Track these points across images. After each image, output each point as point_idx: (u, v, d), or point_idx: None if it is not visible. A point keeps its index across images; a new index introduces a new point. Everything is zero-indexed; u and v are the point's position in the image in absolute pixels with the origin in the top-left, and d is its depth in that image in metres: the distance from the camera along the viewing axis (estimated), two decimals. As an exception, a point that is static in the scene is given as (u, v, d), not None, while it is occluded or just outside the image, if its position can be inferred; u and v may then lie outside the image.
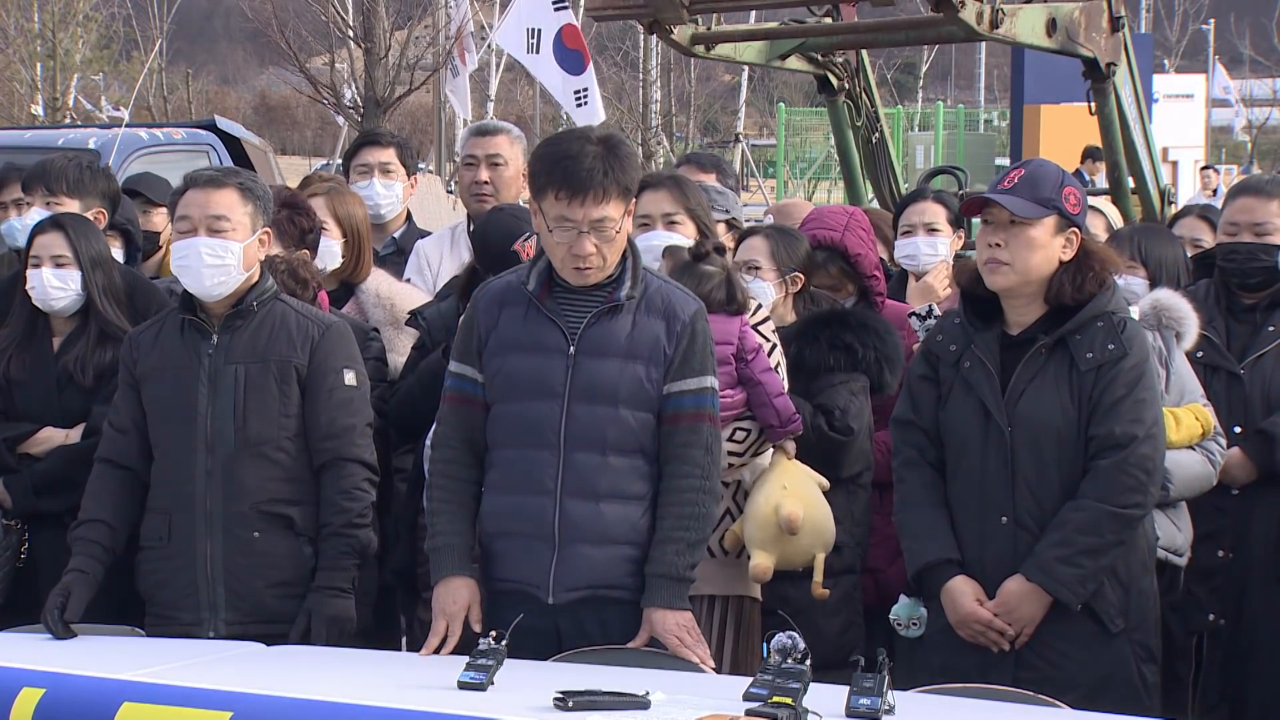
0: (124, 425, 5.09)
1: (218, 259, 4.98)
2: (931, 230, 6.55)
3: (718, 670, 4.64)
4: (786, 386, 5.23)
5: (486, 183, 6.69)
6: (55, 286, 5.58)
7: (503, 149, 6.72)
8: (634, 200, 4.68)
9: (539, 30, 16.07)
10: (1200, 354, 5.62)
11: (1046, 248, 4.76)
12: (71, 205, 6.21)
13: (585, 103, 15.62)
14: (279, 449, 4.96)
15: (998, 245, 4.75)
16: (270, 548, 4.96)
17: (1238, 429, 5.63)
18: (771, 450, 5.19)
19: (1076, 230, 4.80)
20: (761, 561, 5.06)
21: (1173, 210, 8.89)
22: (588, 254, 4.55)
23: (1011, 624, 4.70)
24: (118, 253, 6.26)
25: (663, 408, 4.62)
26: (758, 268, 5.60)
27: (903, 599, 5.02)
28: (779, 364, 5.26)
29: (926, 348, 4.97)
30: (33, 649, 4.57)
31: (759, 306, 5.33)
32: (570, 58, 15.97)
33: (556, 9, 16.07)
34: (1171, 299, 5.47)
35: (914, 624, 4.96)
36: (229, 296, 5.02)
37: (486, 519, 4.69)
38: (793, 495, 5.08)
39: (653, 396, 4.61)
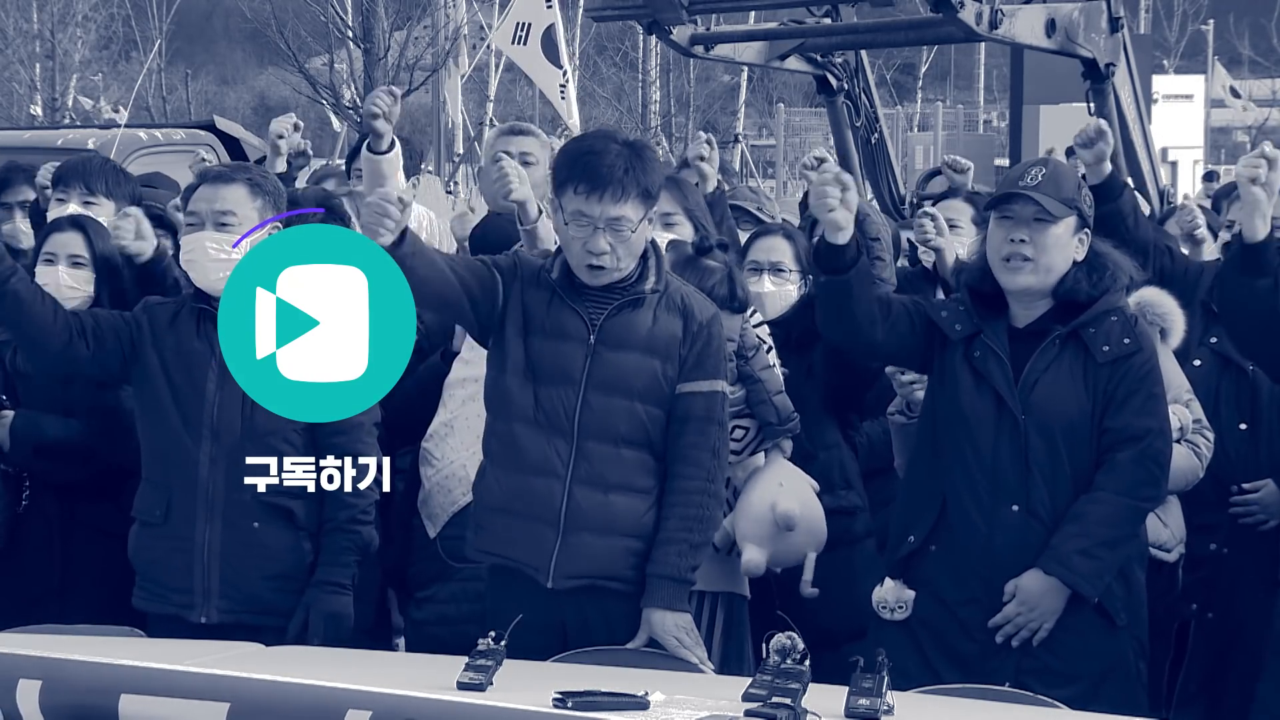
0: (94, 315, 5.08)
1: (223, 253, 5.03)
2: (953, 227, 6.54)
3: (705, 667, 4.65)
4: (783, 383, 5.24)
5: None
6: (69, 286, 5.57)
7: (533, 149, 6.71)
8: (654, 204, 4.69)
9: (529, 25, 17.05)
10: (1214, 340, 5.65)
11: (1066, 247, 4.78)
12: (107, 206, 6.21)
13: (565, 94, 16.75)
14: (285, 441, 4.97)
15: (1022, 241, 4.75)
16: (269, 539, 4.98)
17: (1243, 425, 5.65)
18: (765, 453, 5.20)
19: (1089, 230, 4.82)
20: (754, 556, 5.08)
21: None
22: (601, 251, 4.57)
23: (1033, 619, 4.69)
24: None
25: (673, 407, 4.64)
26: (782, 270, 5.61)
27: (887, 582, 4.92)
28: (773, 365, 5.27)
29: (927, 314, 4.93)
30: (29, 643, 4.57)
31: (754, 310, 5.34)
32: (553, 51, 17.07)
33: (548, 6, 17.14)
34: (1157, 296, 5.48)
35: (900, 607, 4.91)
36: None
37: (487, 492, 4.71)
38: (789, 493, 5.10)
39: (666, 393, 4.64)
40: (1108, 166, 5.77)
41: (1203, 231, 6.66)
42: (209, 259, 5.03)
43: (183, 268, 5.22)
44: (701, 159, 6.55)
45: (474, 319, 4.73)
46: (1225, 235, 6.27)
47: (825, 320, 4.96)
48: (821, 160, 5.03)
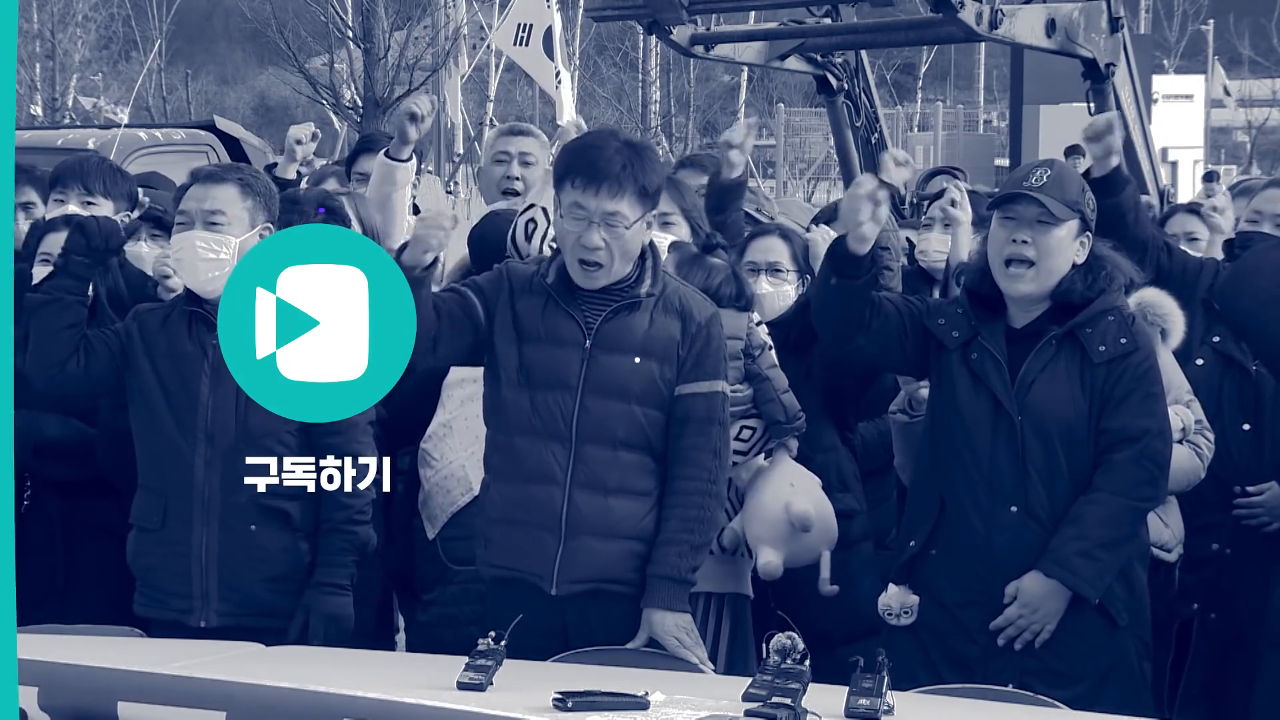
0: (85, 337, 5.09)
1: (212, 253, 5.02)
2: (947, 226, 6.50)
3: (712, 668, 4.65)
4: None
5: (518, 179, 6.72)
6: None
7: (533, 149, 6.74)
8: (653, 206, 4.68)
9: (530, 26, 17.44)
10: (1216, 339, 5.64)
11: (1067, 250, 4.77)
12: (105, 206, 6.20)
13: (560, 83, 17.29)
14: (279, 442, 4.97)
15: (1024, 242, 4.75)
16: (266, 542, 4.97)
17: (1246, 426, 5.64)
18: (768, 454, 5.19)
19: (1090, 234, 4.82)
20: (771, 559, 5.07)
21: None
22: (595, 246, 4.56)
23: (1035, 621, 4.69)
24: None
25: (673, 409, 4.64)
26: (780, 270, 5.61)
27: (892, 587, 4.92)
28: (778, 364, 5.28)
29: (924, 325, 4.93)
30: (27, 645, 4.57)
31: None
32: (550, 50, 17.57)
33: (549, 5, 17.65)
34: (1157, 296, 5.48)
35: (905, 613, 4.92)
36: None
37: (490, 505, 4.71)
38: (801, 493, 5.09)
39: (665, 396, 4.63)
40: (1114, 160, 5.73)
41: (1218, 200, 6.63)
42: (198, 258, 5.03)
43: (173, 267, 5.23)
44: (731, 146, 6.36)
45: (459, 359, 4.79)
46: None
47: (817, 315, 4.97)
48: (905, 161, 4.94)
